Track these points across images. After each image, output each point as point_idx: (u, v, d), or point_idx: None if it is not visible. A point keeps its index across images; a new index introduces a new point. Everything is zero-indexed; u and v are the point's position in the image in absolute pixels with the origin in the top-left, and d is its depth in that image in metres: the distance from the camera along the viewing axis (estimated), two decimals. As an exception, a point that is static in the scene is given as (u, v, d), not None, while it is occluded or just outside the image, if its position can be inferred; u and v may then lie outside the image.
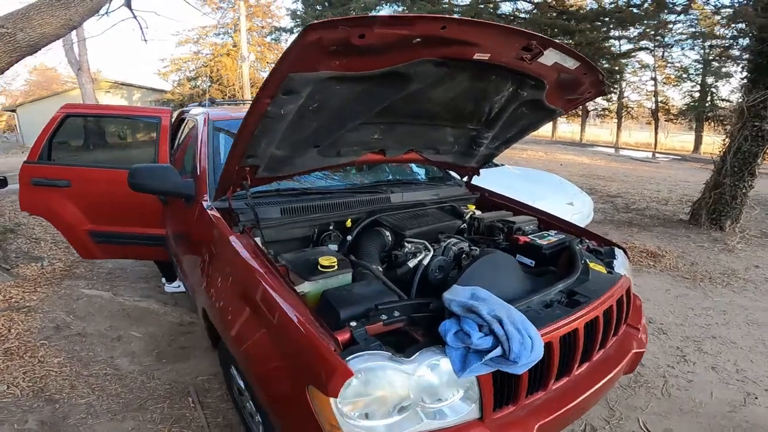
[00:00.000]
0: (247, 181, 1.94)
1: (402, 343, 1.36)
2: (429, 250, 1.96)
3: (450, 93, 1.89)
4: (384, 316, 1.41)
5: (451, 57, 1.56)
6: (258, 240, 1.91)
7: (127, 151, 3.72)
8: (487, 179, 5.90)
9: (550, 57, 1.76)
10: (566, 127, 33.83)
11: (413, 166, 3.25)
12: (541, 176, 6.65)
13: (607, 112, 27.78)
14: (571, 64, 1.86)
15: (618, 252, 2.26)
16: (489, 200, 2.96)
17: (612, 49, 15.09)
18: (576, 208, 5.47)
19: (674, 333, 3.28)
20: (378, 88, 1.64)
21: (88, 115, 3.38)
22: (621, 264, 2.16)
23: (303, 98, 1.51)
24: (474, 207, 2.76)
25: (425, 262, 1.90)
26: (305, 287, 1.63)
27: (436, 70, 1.62)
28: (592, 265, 2.02)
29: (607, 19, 9.26)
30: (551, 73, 1.94)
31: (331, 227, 2.20)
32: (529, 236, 2.27)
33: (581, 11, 10.51)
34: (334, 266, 1.68)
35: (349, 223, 2.16)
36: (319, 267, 1.67)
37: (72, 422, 2.18)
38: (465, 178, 3.09)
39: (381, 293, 1.57)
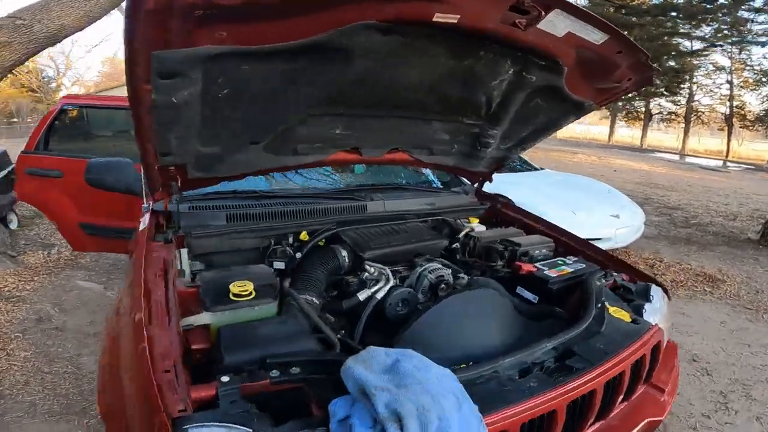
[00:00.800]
0: (176, 183, 1.55)
1: (296, 412, 0.93)
2: (388, 280, 1.47)
3: (424, 75, 1.39)
4: (275, 372, 0.98)
5: (400, 20, 1.06)
6: (181, 252, 1.52)
7: (127, 143, 3.51)
8: (521, 184, 5.23)
9: (558, 24, 1.20)
10: (625, 131, 31.24)
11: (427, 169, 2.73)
12: (585, 183, 5.85)
13: (673, 116, 25.17)
14: (595, 37, 1.30)
15: (655, 291, 1.64)
16: (501, 213, 2.38)
17: (680, 47, 13.38)
18: (623, 221, 4.69)
19: (721, 374, 2.63)
20: (309, 68, 1.19)
21: (86, 106, 3.18)
22: (655, 309, 1.55)
23: (198, 82, 1.11)
24: (477, 221, 2.21)
25: (379, 294, 1.41)
26: (203, 318, 1.21)
27: (386, 39, 1.13)
28: (612, 310, 1.44)
29: (674, 13, 8.07)
30: (567, 50, 1.38)
31: (290, 239, 1.77)
32: (537, 264, 1.71)
33: (644, 5, 9.25)
34: (248, 294, 1.25)
35: (304, 236, 1.71)
36: (230, 295, 1.24)
37: (7, 419, 2.00)
38: (476, 185, 2.53)
39: (295, 336, 1.12)
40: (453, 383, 0.91)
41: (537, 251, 1.85)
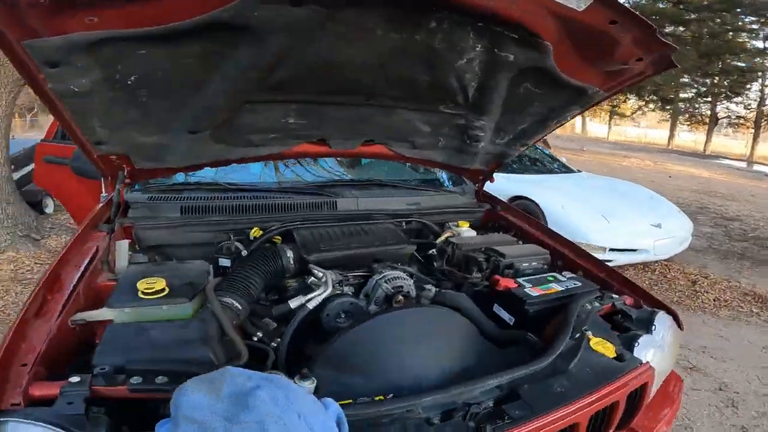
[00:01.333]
0: (123, 172, 1.44)
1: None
2: (327, 286, 1.26)
3: (369, 54, 1.17)
4: (137, 379, 0.85)
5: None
6: (120, 243, 1.40)
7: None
8: (552, 187, 4.80)
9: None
10: (688, 136, 28.74)
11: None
12: (625, 189, 5.32)
13: (742, 121, 22.77)
14: (572, 1, 1.02)
15: (660, 319, 1.32)
16: (500, 218, 2.10)
17: (748, 45, 11.89)
18: (665, 232, 4.18)
19: (748, 406, 2.23)
20: (219, 50, 1.04)
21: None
22: (654, 342, 1.24)
23: (95, 69, 1.01)
24: (468, 224, 1.94)
25: (312, 303, 1.21)
26: (104, 314, 1.07)
27: (298, 13, 0.93)
28: (594, 342, 1.15)
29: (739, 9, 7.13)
30: (542, 19, 1.11)
31: (250, 236, 1.61)
32: (521, 279, 1.44)
33: (704, 2, 8.26)
34: (158, 291, 1.10)
35: (256, 233, 1.55)
36: (140, 292, 1.10)
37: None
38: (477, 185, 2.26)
39: (192, 342, 0.97)
40: (326, 424, 0.70)
41: (526, 264, 1.57)
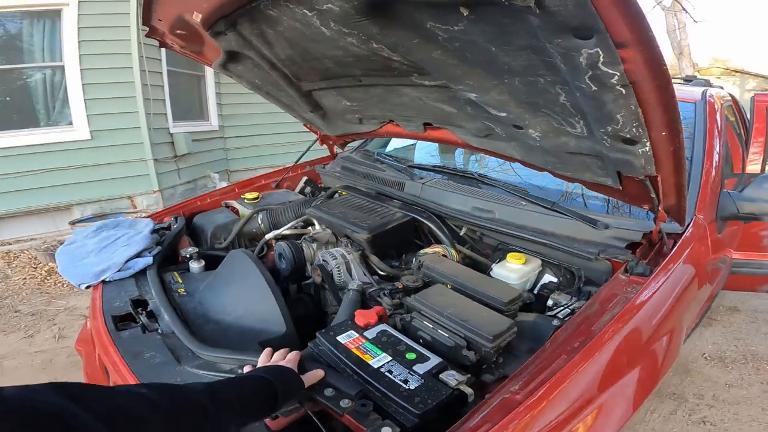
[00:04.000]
0: (317, 135, 2.18)
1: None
2: (274, 231, 1.49)
3: (312, 45, 1.18)
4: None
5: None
6: (302, 178, 2.19)
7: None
8: None
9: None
10: None
11: None
12: None
13: None
14: None
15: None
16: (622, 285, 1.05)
17: None
18: None
19: None
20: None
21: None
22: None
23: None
24: (522, 260, 1.15)
25: (269, 236, 1.52)
26: (232, 204, 1.92)
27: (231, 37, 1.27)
28: None
29: None
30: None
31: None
32: (382, 328, 0.99)
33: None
34: (249, 198, 1.84)
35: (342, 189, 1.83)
36: (244, 199, 1.89)
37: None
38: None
39: (211, 225, 1.70)
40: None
41: (430, 325, 0.92)
